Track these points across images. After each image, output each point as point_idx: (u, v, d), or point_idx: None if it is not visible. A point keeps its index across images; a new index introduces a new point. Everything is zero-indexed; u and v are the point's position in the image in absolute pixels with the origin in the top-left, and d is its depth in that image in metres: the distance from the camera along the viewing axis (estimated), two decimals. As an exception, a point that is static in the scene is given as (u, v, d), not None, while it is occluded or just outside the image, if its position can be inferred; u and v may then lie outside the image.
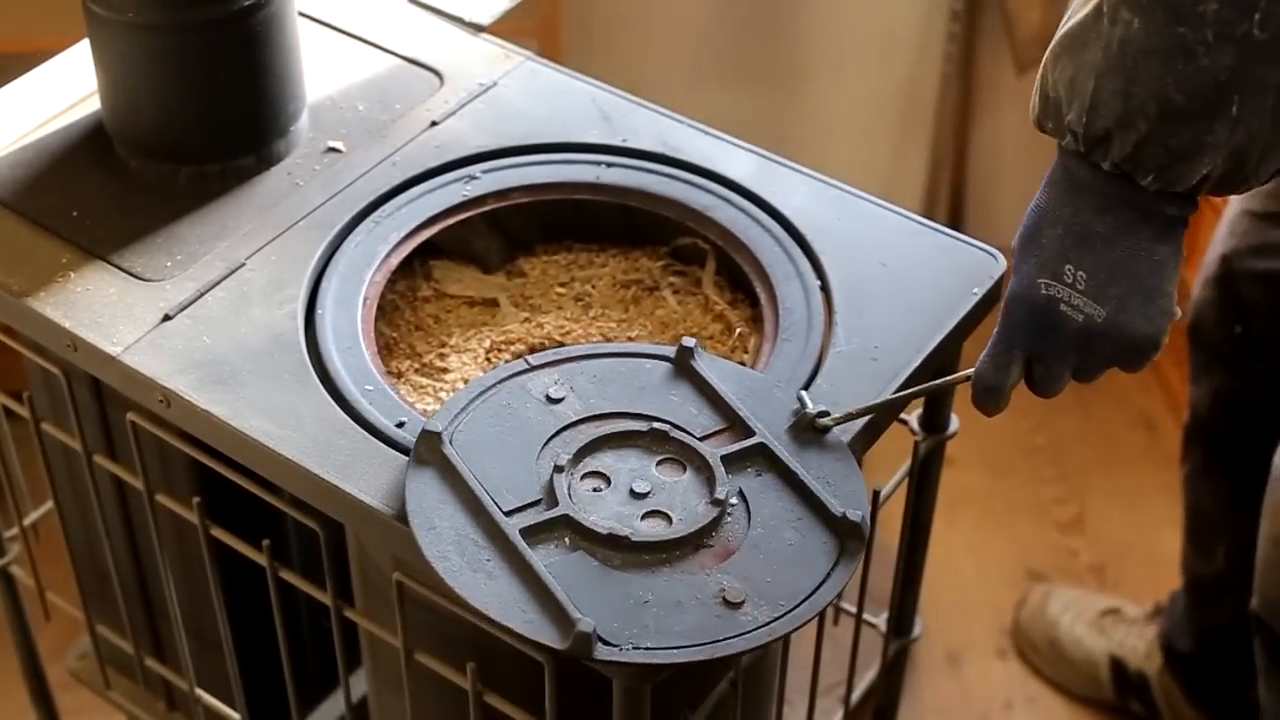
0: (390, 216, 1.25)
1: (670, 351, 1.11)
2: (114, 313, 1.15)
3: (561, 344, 1.21)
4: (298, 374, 1.12)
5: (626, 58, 2.48)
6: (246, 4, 1.22)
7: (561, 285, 1.28)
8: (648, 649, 0.95)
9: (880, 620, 1.39)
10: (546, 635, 0.95)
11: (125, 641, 1.41)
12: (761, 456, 1.05)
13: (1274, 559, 1.62)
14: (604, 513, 1.01)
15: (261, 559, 1.17)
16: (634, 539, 0.99)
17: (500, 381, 1.09)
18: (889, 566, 1.37)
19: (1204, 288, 1.83)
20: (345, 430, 1.08)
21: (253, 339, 1.14)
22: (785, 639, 1.14)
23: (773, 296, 1.20)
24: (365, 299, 1.19)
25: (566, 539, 1.00)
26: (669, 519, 1.02)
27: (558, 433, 1.06)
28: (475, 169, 1.29)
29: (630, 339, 1.23)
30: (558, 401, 1.08)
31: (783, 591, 0.98)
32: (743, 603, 0.97)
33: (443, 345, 1.23)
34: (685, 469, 1.04)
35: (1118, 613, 2.11)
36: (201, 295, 1.17)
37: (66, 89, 1.35)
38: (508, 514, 1.00)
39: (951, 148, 2.57)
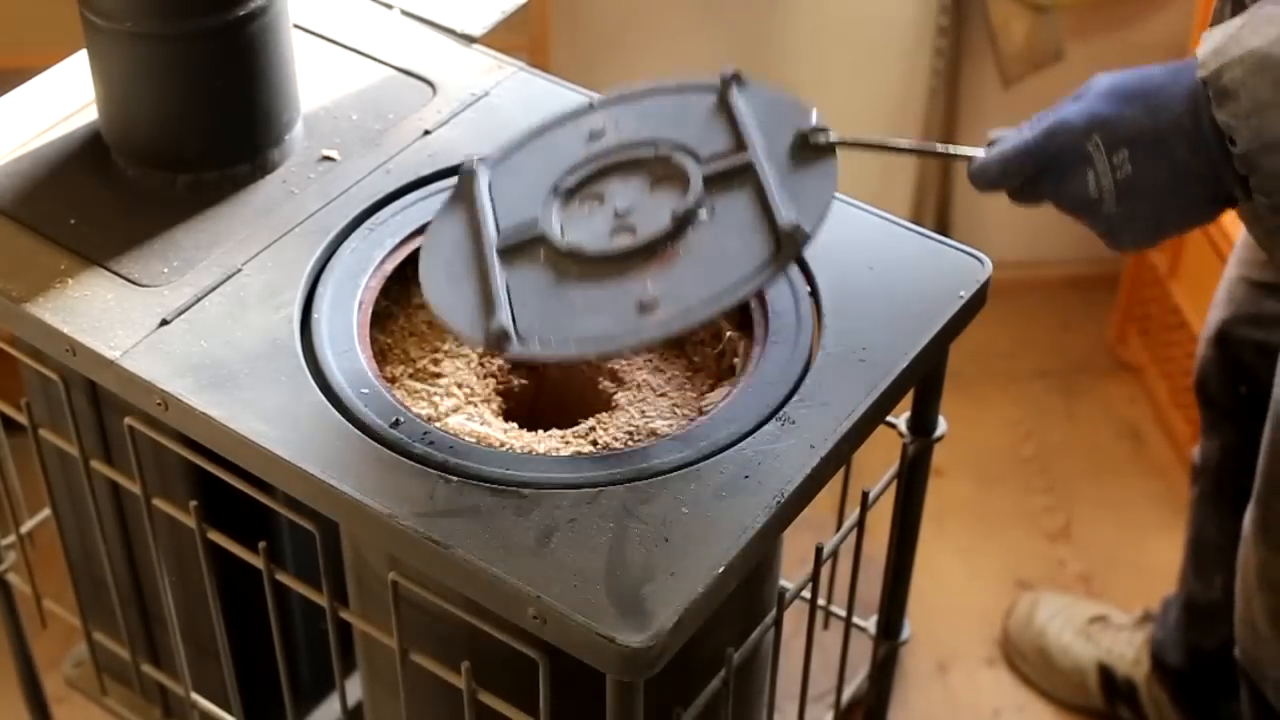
0: (384, 223, 1.26)
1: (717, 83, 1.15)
2: (112, 318, 1.16)
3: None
4: (294, 377, 1.13)
5: (615, 73, 2.49)
6: (242, 14, 1.23)
7: (553, 290, 1.29)
8: (549, 345, 1.03)
9: (870, 624, 1.40)
10: (471, 330, 1.06)
11: (122, 648, 1.41)
12: (748, 174, 1.08)
13: (1245, 615, 1.62)
14: (581, 230, 1.07)
15: (258, 561, 1.18)
16: (588, 252, 1.05)
17: (559, 123, 1.16)
18: (877, 575, 1.38)
19: (1207, 347, 1.81)
20: (342, 431, 1.09)
21: (249, 343, 1.15)
22: (777, 637, 1.16)
23: (761, 300, 1.21)
24: (360, 303, 1.20)
25: (541, 254, 1.07)
26: (635, 233, 1.06)
27: (581, 163, 1.11)
28: (468, 176, 1.30)
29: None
30: (599, 136, 1.12)
31: (700, 295, 1.02)
32: (655, 307, 1.01)
33: (436, 351, 1.24)
34: (673, 189, 1.08)
35: (1105, 620, 2.11)
36: (198, 300, 1.18)
37: (64, 98, 1.36)
38: (500, 232, 1.08)
39: (938, 161, 2.58)
